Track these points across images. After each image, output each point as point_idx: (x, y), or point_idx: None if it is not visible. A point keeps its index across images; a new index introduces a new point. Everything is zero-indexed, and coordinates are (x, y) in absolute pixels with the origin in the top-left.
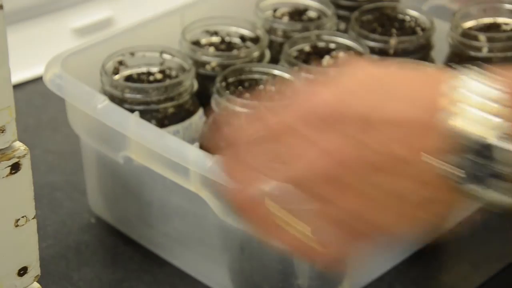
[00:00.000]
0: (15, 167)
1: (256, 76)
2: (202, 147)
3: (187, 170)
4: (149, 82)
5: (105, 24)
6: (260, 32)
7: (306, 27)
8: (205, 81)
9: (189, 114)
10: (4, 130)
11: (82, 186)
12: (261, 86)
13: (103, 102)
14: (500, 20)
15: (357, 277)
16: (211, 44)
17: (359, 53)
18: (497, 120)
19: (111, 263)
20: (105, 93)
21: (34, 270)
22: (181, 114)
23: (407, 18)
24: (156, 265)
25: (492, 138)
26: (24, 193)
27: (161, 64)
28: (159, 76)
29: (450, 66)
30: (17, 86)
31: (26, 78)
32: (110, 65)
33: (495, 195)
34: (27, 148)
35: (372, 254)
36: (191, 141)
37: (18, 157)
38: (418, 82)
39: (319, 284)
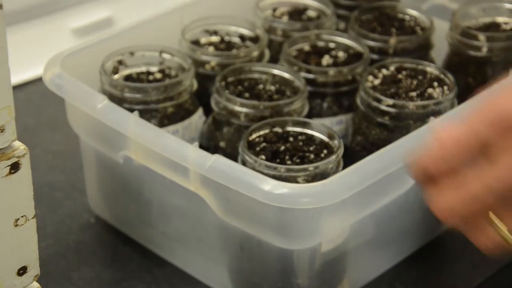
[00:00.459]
0: (15, 167)
1: (256, 75)
2: (201, 146)
3: (187, 169)
4: (149, 81)
5: (105, 24)
6: (259, 32)
7: (306, 27)
8: (205, 80)
9: (188, 113)
10: (3, 129)
11: (82, 185)
12: (260, 86)
13: (103, 102)
14: (500, 19)
15: (357, 276)
16: (210, 44)
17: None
18: None
19: (111, 263)
20: (105, 92)
21: (34, 269)
22: (180, 114)
23: (407, 17)
24: (155, 264)
25: None
26: (23, 192)
27: (161, 63)
28: (158, 75)
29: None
30: (16, 86)
31: (26, 79)
32: (109, 65)
33: None
34: (27, 148)
35: None
36: (191, 141)
37: (18, 157)
38: None
39: (319, 284)
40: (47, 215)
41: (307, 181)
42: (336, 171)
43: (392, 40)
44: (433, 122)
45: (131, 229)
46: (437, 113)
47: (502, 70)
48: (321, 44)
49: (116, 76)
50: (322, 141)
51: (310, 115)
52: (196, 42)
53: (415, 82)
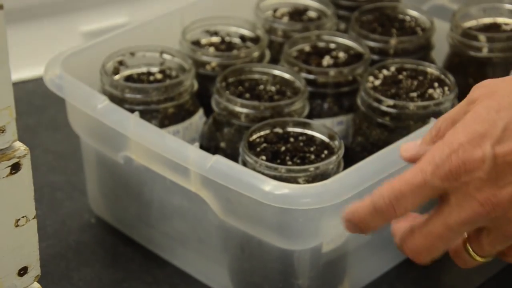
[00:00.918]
0: (15, 167)
1: (256, 76)
2: (202, 147)
3: (187, 170)
4: (149, 82)
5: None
6: (260, 32)
7: (306, 27)
8: (205, 81)
9: (189, 114)
10: (4, 130)
11: (82, 186)
12: (261, 86)
13: (103, 102)
14: (500, 20)
15: (357, 277)
16: (211, 44)
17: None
18: None
19: (111, 263)
20: (105, 93)
21: (34, 270)
22: (181, 114)
23: (407, 18)
24: (156, 265)
25: None
26: (24, 193)
27: (161, 64)
28: (159, 76)
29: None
30: (17, 86)
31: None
32: (110, 65)
33: None
34: (27, 148)
35: None
36: (191, 141)
37: (18, 157)
38: None
39: (320, 284)
40: (48, 215)
41: (307, 181)
42: (336, 171)
43: (393, 41)
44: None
45: (132, 230)
46: (437, 114)
47: (502, 70)
48: (321, 44)
49: (116, 77)
50: (322, 141)
51: (310, 115)
52: (196, 43)
53: (415, 82)
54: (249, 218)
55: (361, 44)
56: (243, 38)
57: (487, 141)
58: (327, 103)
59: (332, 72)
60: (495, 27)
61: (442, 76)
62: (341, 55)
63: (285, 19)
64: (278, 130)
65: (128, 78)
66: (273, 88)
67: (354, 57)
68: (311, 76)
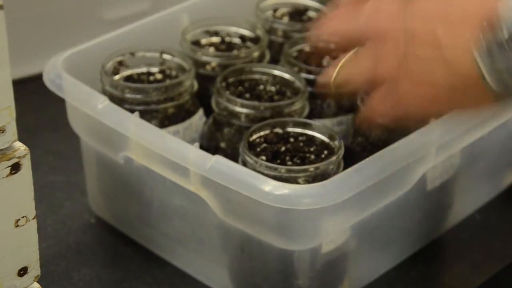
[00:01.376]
0: (15, 167)
1: (256, 76)
2: (202, 147)
3: (187, 170)
4: (149, 82)
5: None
6: (260, 32)
7: (306, 27)
8: (205, 81)
9: (189, 114)
10: (4, 130)
11: (82, 186)
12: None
13: (103, 102)
14: None
15: (357, 277)
16: (211, 44)
17: None
18: None
19: (111, 263)
20: (105, 93)
21: (34, 270)
22: (181, 114)
23: None
24: (156, 265)
25: None
26: (24, 193)
27: (161, 64)
28: (159, 76)
29: None
30: (17, 86)
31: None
32: (110, 65)
33: None
34: (27, 148)
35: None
36: (191, 141)
37: (18, 157)
38: None
39: (320, 284)
40: (48, 215)
41: (307, 181)
42: (336, 172)
43: None
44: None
45: (132, 230)
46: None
47: None
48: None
49: (116, 77)
50: (322, 141)
51: (310, 116)
52: (196, 43)
53: None
54: (249, 218)
55: None
56: (243, 38)
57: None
58: (327, 103)
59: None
60: None
61: None
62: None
63: (285, 19)
64: (278, 130)
65: (128, 78)
66: (273, 88)
67: None
68: (311, 76)
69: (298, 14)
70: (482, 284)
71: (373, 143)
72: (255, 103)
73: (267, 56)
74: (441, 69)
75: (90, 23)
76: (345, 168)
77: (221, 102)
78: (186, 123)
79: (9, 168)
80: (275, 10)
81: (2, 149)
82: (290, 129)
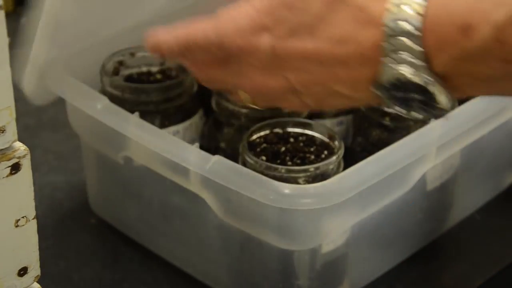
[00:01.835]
0: (15, 167)
1: None
2: (202, 147)
3: (187, 170)
4: (149, 82)
5: None
6: None
7: None
8: None
9: (189, 114)
10: (4, 130)
11: (82, 186)
12: None
13: (103, 103)
14: None
15: (357, 277)
16: None
17: None
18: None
19: (112, 264)
20: (105, 93)
21: (34, 270)
22: (181, 115)
23: None
24: (156, 265)
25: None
26: (24, 193)
27: (161, 64)
28: (159, 76)
29: None
30: (17, 86)
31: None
32: (110, 65)
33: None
34: (27, 149)
35: None
36: (191, 142)
37: (18, 158)
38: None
39: (320, 284)
40: (48, 215)
41: (307, 182)
42: (336, 172)
43: None
44: None
45: (132, 230)
46: None
47: None
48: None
49: (116, 77)
50: (322, 142)
51: (310, 116)
52: None
53: None
54: (249, 219)
55: None
56: None
57: (268, 34)
58: None
59: None
60: None
61: None
62: None
63: None
64: (278, 130)
65: (128, 78)
66: None
67: None
68: None
69: None
70: (482, 284)
71: (373, 143)
72: None
73: None
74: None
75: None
76: (345, 168)
77: (221, 102)
78: (186, 123)
79: (9, 168)
80: None
81: (2, 149)
82: (290, 129)
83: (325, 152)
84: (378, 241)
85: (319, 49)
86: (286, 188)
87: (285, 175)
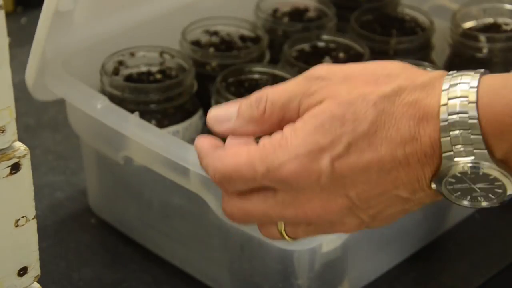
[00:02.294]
0: (15, 167)
1: (256, 76)
2: None
3: (187, 170)
4: (149, 82)
5: None
6: (260, 32)
7: (306, 28)
8: (205, 81)
9: (189, 114)
10: (4, 130)
11: (82, 186)
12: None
13: (103, 102)
14: (500, 20)
15: (357, 277)
16: (211, 44)
17: (359, 54)
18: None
19: (111, 263)
20: (105, 93)
21: (34, 270)
22: (181, 114)
23: (407, 18)
24: (156, 265)
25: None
26: (24, 193)
27: (161, 64)
28: (159, 76)
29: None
30: (17, 86)
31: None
32: (110, 65)
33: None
34: (27, 148)
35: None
36: (191, 141)
37: (18, 157)
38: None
39: (319, 284)
40: (48, 215)
41: None
42: None
43: (393, 41)
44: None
45: (132, 230)
46: None
47: (502, 71)
48: (321, 44)
49: (116, 77)
50: None
51: None
52: (196, 43)
53: None
54: None
55: (361, 44)
56: (243, 38)
57: (327, 155)
58: None
59: None
60: (495, 27)
61: None
62: (341, 55)
63: (285, 19)
64: None
65: (128, 78)
66: None
67: (354, 58)
68: None
69: (298, 14)
70: (482, 284)
71: None
72: None
73: (267, 56)
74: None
75: None
76: None
77: (221, 102)
78: (186, 123)
79: (9, 168)
80: (275, 10)
81: (2, 149)
82: None
83: None
84: (378, 241)
85: (380, 157)
86: None
87: None
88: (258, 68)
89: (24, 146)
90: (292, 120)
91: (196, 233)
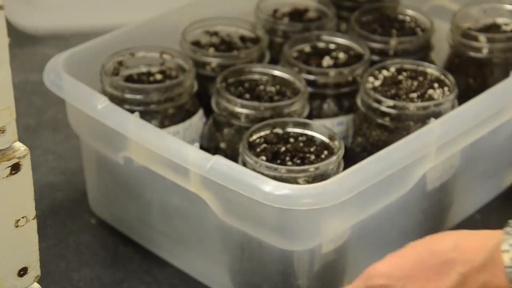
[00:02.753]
0: (16, 168)
1: (256, 76)
2: (202, 147)
3: (187, 170)
4: (149, 82)
5: None
6: (260, 33)
7: (307, 28)
8: (205, 81)
9: (189, 114)
10: (4, 130)
11: (82, 186)
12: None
13: (103, 103)
14: (500, 20)
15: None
16: (211, 45)
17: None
18: None
19: (111, 264)
20: (105, 93)
21: (34, 270)
22: (181, 115)
23: (407, 19)
24: (156, 265)
25: None
26: (24, 193)
27: (161, 64)
28: (159, 76)
29: None
30: (17, 87)
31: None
32: (110, 66)
33: None
34: (27, 149)
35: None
36: (191, 142)
37: (18, 158)
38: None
39: (319, 285)
40: (48, 216)
41: (307, 182)
42: (336, 172)
43: (393, 41)
44: None
45: (132, 230)
46: (437, 114)
47: (502, 71)
48: (321, 45)
49: (116, 77)
50: (322, 142)
51: (310, 116)
52: (196, 43)
53: (415, 83)
54: (249, 219)
55: (361, 45)
56: (243, 38)
57: None
58: (327, 104)
59: (332, 72)
60: (495, 27)
61: (442, 77)
62: (341, 55)
63: (285, 19)
64: (278, 130)
65: (128, 79)
66: (273, 89)
67: (354, 58)
68: (311, 77)
69: (298, 14)
70: None
71: (373, 144)
72: (255, 103)
73: (267, 57)
74: None
75: None
76: (345, 168)
77: (221, 103)
78: (186, 123)
79: (9, 168)
80: (275, 11)
81: (2, 149)
82: (290, 129)
83: (325, 152)
84: (378, 241)
85: None
86: (286, 188)
87: (285, 175)
88: (258, 69)
89: (24, 147)
90: None
91: (196, 233)
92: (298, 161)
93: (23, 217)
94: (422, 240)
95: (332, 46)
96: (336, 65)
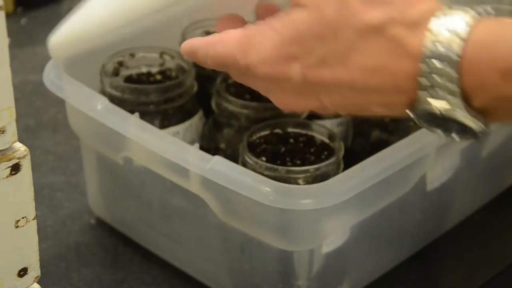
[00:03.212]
0: (15, 168)
1: None
2: (202, 148)
3: (187, 171)
4: (149, 83)
5: None
6: None
7: None
8: (205, 82)
9: (189, 115)
10: (4, 131)
11: (82, 187)
12: None
13: (103, 103)
14: None
15: (357, 278)
16: None
17: None
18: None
19: (111, 264)
20: (105, 94)
21: (34, 271)
22: (181, 115)
23: None
24: (156, 266)
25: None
26: (24, 194)
27: (161, 65)
28: (159, 77)
29: None
30: (17, 87)
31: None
32: (110, 66)
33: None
34: (27, 149)
35: None
36: (191, 142)
37: (18, 158)
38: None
39: (319, 285)
40: (48, 216)
41: (307, 182)
42: (336, 172)
43: None
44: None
45: (132, 231)
46: None
47: None
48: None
49: (116, 78)
50: (322, 142)
51: (310, 116)
52: None
53: None
54: (249, 219)
55: None
56: None
57: (298, 63)
58: None
59: None
60: None
61: None
62: None
63: None
64: (278, 131)
65: (128, 79)
66: None
67: None
68: None
69: None
70: (481, 285)
71: (373, 144)
72: (255, 104)
73: None
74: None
75: None
76: (345, 169)
77: (221, 103)
78: (186, 124)
79: (9, 168)
80: None
81: (2, 150)
82: (290, 130)
83: (325, 152)
84: (378, 241)
85: (351, 79)
86: (286, 189)
87: (285, 175)
88: None
89: (24, 147)
90: None
91: (196, 233)
92: (298, 162)
93: (23, 218)
94: None
95: None
96: None
